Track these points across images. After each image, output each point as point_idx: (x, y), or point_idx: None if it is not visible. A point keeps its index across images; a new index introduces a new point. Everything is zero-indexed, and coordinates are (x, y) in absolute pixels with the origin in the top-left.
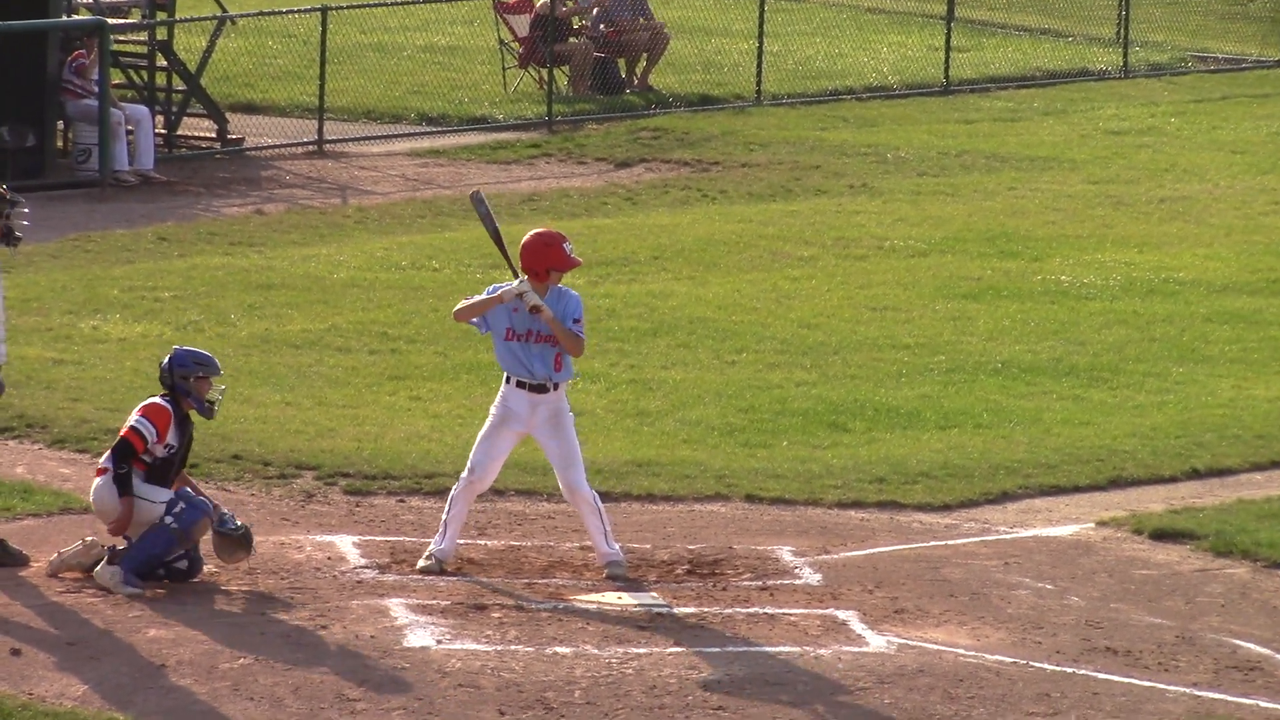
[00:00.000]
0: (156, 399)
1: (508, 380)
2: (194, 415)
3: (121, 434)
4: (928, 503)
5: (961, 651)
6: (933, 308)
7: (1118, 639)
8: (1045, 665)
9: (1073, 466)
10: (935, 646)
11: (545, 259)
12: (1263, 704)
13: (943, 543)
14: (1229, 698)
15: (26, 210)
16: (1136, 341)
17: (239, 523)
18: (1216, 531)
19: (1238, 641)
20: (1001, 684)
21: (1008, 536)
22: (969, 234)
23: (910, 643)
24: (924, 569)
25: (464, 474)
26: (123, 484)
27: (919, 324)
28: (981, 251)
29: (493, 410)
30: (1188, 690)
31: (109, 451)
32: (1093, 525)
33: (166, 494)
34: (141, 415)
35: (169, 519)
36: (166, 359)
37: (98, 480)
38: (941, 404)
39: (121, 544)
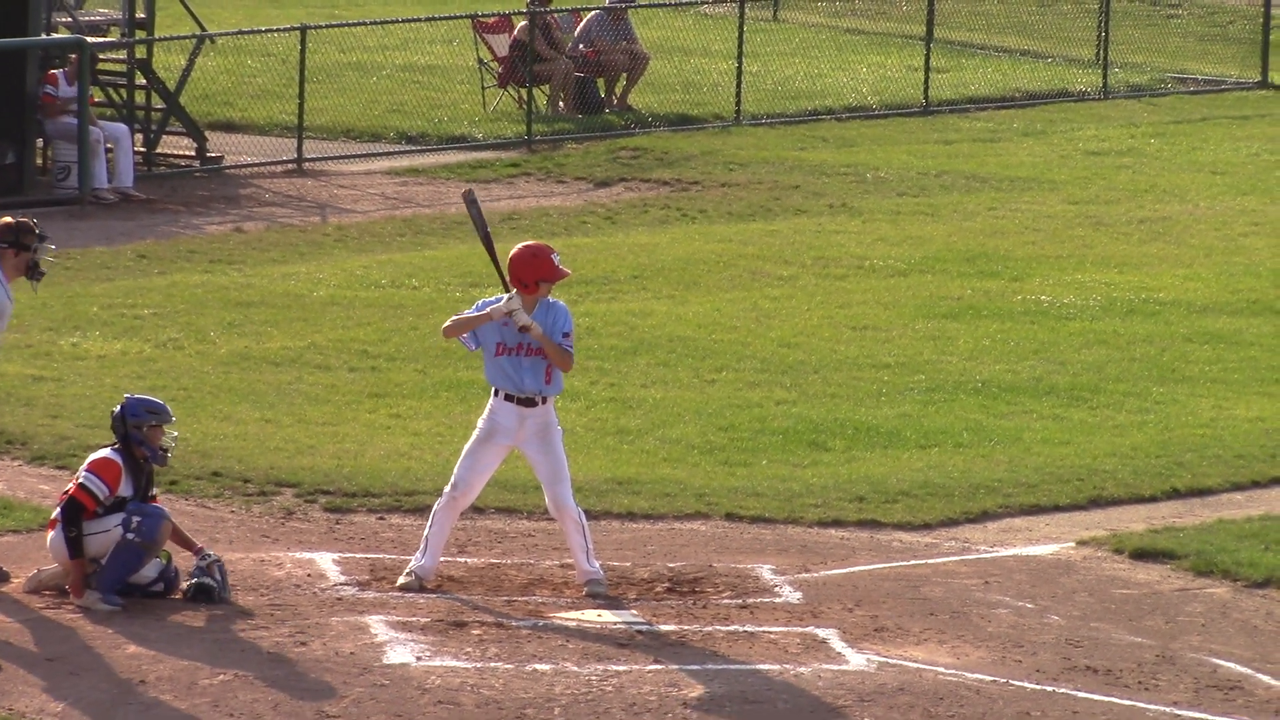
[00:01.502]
0: (106, 452)
1: (496, 394)
2: None
3: (70, 492)
4: (908, 521)
5: (941, 670)
6: (913, 327)
7: (1098, 658)
8: (1025, 684)
9: (1053, 486)
10: (915, 665)
11: (535, 270)
12: None
13: (923, 561)
14: (1209, 717)
15: (53, 247)
16: (1116, 361)
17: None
18: (1197, 551)
19: (1218, 661)
20: (981, 702)
21: (988, 555)
22: (949, 254)
23: (890, 661)
24: (904, 587)
25: (447, 489)
26: (73, 547)
27: (899, 343)
28: (961, 271)
29: (479, 424)
30: (1168, 709)
31: (59, 505)
32: (1073, 544)
33: (117, 516)
34: (90, 471)
35: (130, 535)
36: (118, 407)
37: (51, 533)
38: (921, 423)
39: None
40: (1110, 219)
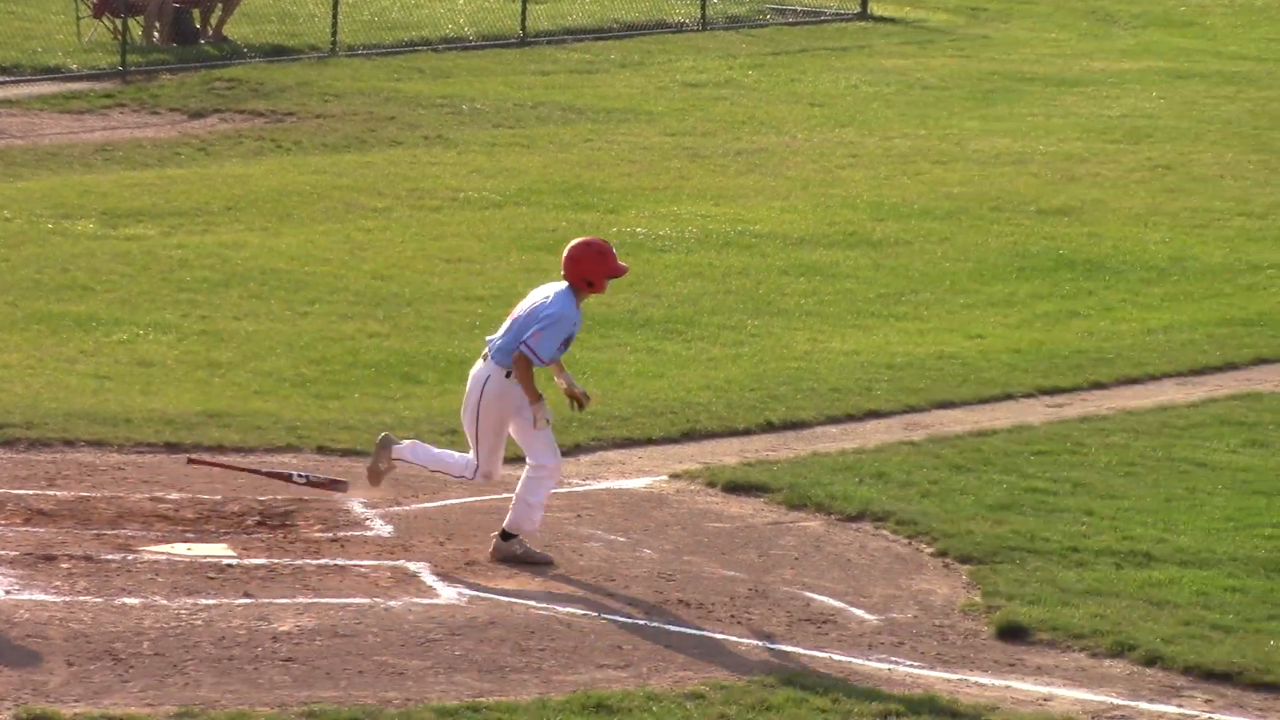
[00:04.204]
0: None
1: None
2: None
3: None
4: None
5: (533, 604)
6: (507, 259)
7: (690, 591)
8: (618, 618)
9: (646, 419)
10: (507, 599)
11: (603, 268)
12: (836, 657)
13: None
14: (802, 650)
15: None
16: (712, 294)
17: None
18: (790, 484)
19: (811, 595)
20: (573, 636)
21: (580, 489)
22: (545, 186)
23: (482, 594)
24: (496, 521)
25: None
26: None
27: (493, 276)
28: (557, 203)
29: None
30: (761, 643)
31: None
32: (666, 478)
33: None
34: None
35: None
36: None
37: None
38: None
39: None
40: (707, 151)
